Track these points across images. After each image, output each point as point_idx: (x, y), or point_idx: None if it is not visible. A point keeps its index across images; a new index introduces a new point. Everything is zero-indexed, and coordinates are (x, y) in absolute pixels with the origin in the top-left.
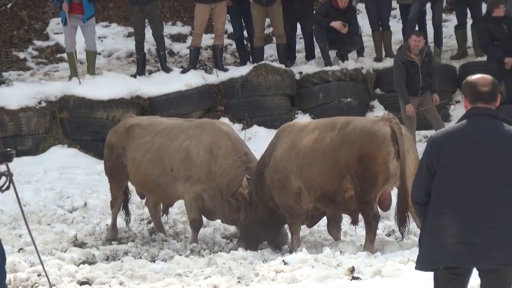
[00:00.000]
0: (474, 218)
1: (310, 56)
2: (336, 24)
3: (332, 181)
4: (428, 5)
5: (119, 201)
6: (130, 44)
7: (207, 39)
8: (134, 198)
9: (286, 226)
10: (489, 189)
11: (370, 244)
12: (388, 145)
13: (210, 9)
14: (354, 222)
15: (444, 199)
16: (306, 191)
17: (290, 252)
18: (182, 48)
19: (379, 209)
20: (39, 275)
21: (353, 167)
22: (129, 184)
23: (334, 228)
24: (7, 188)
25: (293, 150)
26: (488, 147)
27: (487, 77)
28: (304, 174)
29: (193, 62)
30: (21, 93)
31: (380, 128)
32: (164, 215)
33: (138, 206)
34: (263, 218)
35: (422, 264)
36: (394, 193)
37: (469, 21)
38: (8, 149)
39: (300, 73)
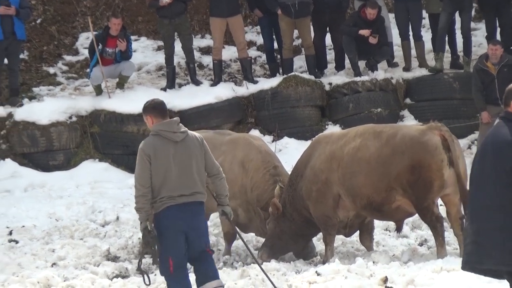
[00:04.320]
0: (481, 219)
1: (339, 66)
2: (364, 32)
3: (380, 192)
4: (457, 14)
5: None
6: (160, 58)
7: (235, 52)
8: None
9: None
10: (489, 190)
11: (442, 248)
12: (440, 152)
13: (225, 22)
14: (398, 229)
15: (468, 202)
16: (351, 199)
17: (323, 262)
18: (212, 61)
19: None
20: None
21: (405, 177)
22: None
23: (366, 238)
24: None
25: (334, 160)
26: (489, 149)
27: None
28: (348, 182)
29: (218, 75)
30: (51, 108)
31: (430, 137)
32: None
33: None
34: (299, 228)
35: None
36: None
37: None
38: None
39: (330, 84)
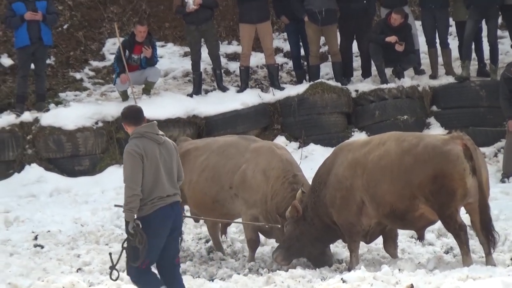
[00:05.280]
0: None
1: (366, 74)
2: (391, 39)
3: (403, 200)
4: (484, 22)
5: None
6: (186, 64)
7: (262, 58)
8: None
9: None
10: None
11: (467, 256)
12: (462, 162)
13: (255, 28)
14: (420, 238)
15: None
16: (375, 207)
17: (349, 270)
18: (238, 67)
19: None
20: None
21: (427, 186)
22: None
23: (390, 245)
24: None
25: (358, 167)
26: None
27: None
28: (372, 190)
29: (245, 81)
30: (78, 113)
31: (453, 147)
32: (223, 235)
33: (195, 225)
34: (319, 232)
35: None
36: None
37: None
38: None
39: (356, 91)
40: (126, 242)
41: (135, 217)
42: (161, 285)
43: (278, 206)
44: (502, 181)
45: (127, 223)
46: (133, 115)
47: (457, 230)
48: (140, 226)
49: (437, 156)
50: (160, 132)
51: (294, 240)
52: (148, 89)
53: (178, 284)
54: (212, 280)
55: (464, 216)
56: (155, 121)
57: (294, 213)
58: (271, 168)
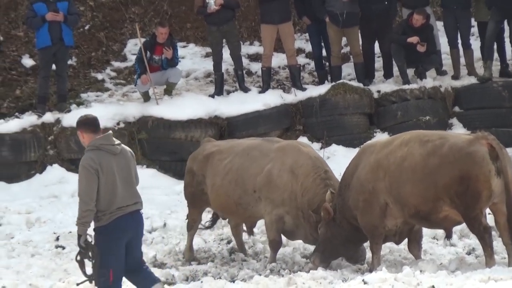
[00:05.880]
0: None
1: (388, 74)
2: (412, 39)
3: (426, 202)
4: (506, 22)
5: (197, 224)
6: (208, 64)
7: (284, 59)
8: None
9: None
10: None
11: (490, 259)
12: (488, 163)
13: (276, 29)
14: (448, 236)
15: None
16: (399, 208)
17: (370, 271)
18: (260, 68)
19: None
20: None
21: (452, 188)
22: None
23: (415, 247)
24: None
25: (380, 169)
26: None
27: None
28: (395, 191)
29: (267, 82)
30: (99, 114)
31: (478, 148)
32: (250, 235)
33: (217, 226)
34: (348, 234)
35: None
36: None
37: None
38: None
39: (378, 91)
40: (78, 255)
41: (93, 229)
42: None
43: (310, 203)
44: None
45: (79, 236)
46: (89, 123)
47: (482, 232)
48: (91, 241)
49: (463, 158)
50: (117, 142)
51: (328, 242)
52: (169, 90)
53: (150, 276)
54: (233, 281)
55: (487, 216)
56: (110, 132)
57: (326, 215)
58: (299, 165)
